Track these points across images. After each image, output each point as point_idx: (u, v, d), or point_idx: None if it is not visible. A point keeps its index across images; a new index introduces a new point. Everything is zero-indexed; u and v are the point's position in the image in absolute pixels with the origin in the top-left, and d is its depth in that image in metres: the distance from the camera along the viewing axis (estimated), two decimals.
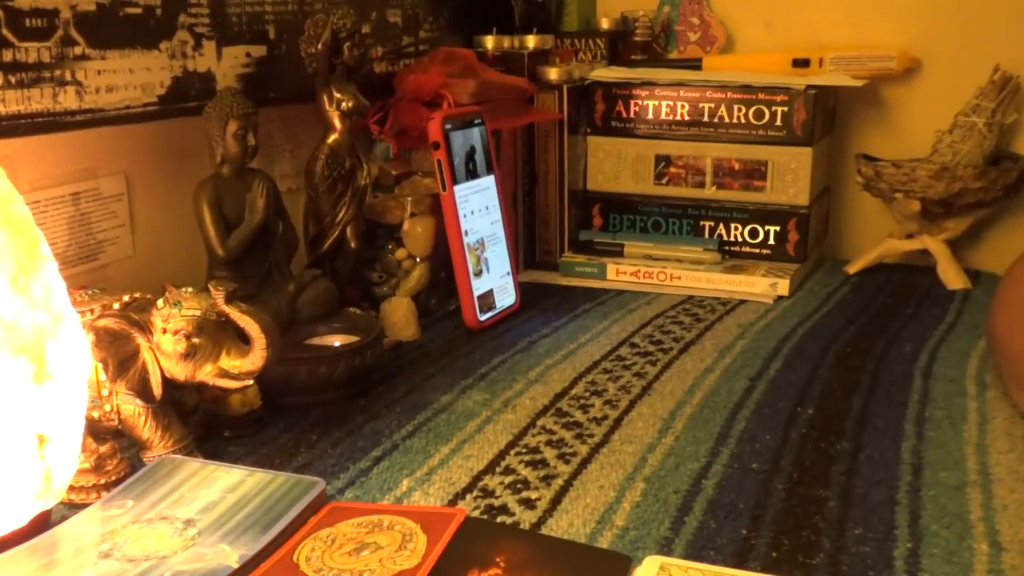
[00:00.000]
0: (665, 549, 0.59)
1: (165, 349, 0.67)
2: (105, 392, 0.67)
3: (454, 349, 0.97)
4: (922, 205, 1.18)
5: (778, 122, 1.20)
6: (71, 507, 0.65)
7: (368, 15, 1.14)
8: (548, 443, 0.75)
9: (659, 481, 0.68)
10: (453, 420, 0.79)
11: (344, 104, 0.94)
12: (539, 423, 0.78)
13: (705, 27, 1.38)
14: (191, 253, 0.88)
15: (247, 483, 0.64)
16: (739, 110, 1.21)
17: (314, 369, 0.80)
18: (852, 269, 1.25)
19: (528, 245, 1.26)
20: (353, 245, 0.98)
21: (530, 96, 1.21)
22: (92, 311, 0.66)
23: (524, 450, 0.73)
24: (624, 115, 1.26)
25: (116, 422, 0.68)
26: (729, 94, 1.21)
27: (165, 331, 0.67)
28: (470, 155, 1.04)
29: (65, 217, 0.83)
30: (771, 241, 1.23)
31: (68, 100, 0.80)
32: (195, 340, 0.67)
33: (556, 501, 0.66)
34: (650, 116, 1.25)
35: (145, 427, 0.68)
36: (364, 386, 0.86)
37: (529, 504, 0.65)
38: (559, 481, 0.68)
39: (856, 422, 0.78)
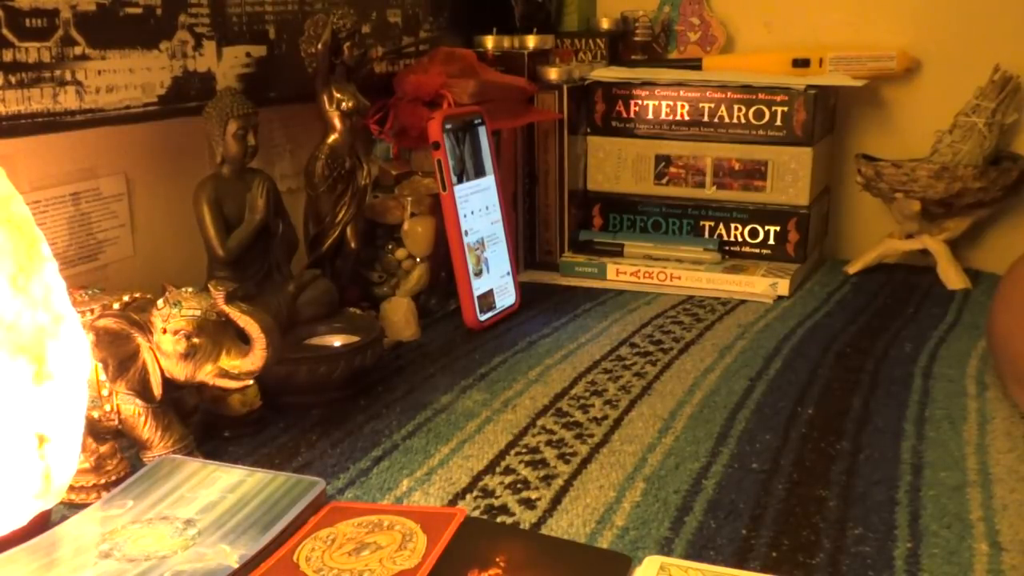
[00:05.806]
0: (665, 549, 0.59)
1: (165, 349, 0.67)
2: (105, 392, 0.67)
3: (454, 349, 0.97)
4: (922, 205, 1.18)
5: (778, 122, 1.20)
6: (71, 507, 0.65)
7: (368, 15, 1.14)
8: (548, 443, 0.75)
9: (659, 481, 0.68)
10: (453, 420, 0.79)
11: (344, 104, 0.94)
12: (539, 423, 0.78)
13: (705, 27, 1.38)
14: (191, 253, 0.88)
15: (247, 483, 0.64)
16: (739, 110, 1.21)
17: (314, 369, 0.80)
18: (852, 269, 1.25)
19: (528, 245, 1.26)
20: (353, 245, 0.98)
21: (530, 96, 1.21)
22: (92, 311, 0.66)
23: (524, 450, 0.73)
24: (624, 115, 1.26)
25: (116, 422, 0.68)
26: (729, 94, 1.21)
27: (165, 331, 0.67)
28: (470, 155, 1.04)
29: (65, 217, 0.83)
30: (771, 241, 1.23)
31: (68, 100, 0.80)
32: (195, 340, 0.67)
33: (556, 501, 0.66)
34: (650, 116, 1.25)
35: (145, 427, 0.68)
36: (364, 386, 0.86)
37: (529, 504, 0.65)
38: (559, 481, 0.68)
39: (856, 422, 0.78)
